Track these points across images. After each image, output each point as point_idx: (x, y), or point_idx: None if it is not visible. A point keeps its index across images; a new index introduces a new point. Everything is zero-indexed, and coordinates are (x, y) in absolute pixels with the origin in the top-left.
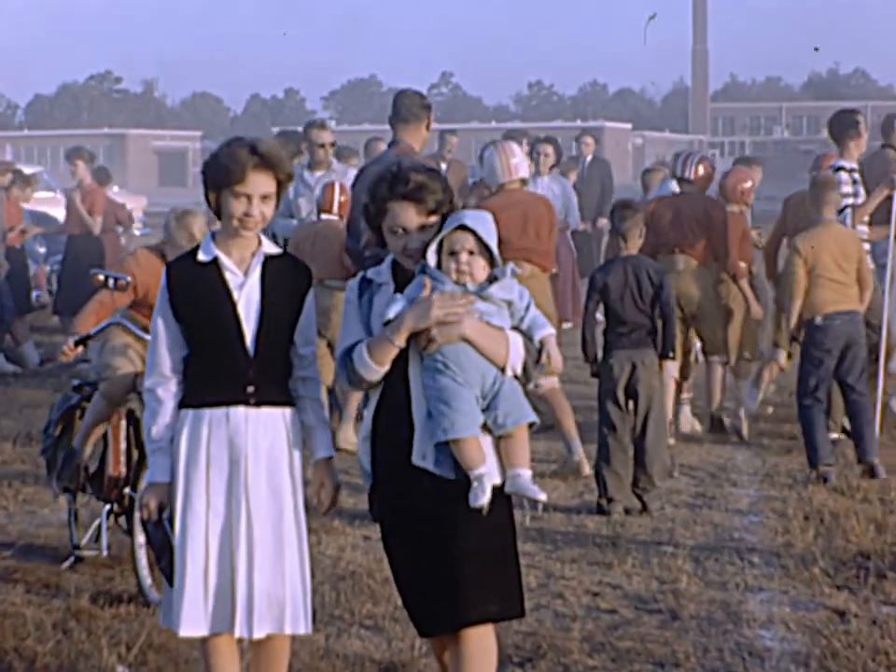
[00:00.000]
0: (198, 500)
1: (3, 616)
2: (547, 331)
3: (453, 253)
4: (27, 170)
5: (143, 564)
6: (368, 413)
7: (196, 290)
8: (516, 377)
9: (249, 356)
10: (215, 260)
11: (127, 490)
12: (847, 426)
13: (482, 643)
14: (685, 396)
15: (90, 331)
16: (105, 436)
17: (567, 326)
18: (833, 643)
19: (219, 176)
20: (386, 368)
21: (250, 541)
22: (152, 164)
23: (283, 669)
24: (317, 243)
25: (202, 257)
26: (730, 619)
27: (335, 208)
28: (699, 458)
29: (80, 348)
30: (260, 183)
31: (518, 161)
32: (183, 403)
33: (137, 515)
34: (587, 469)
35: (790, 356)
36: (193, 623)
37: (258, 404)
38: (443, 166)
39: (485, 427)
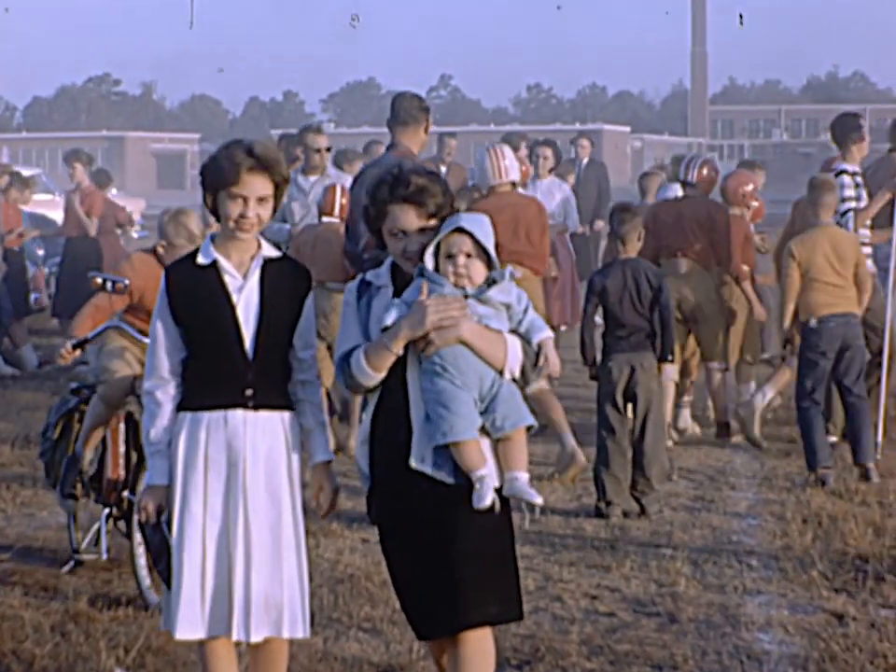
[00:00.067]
0: (195, 503)
1: (1, 619)
2: (545, 334)
3: (450, 256)
4: (25, 172)
5: (142, 566)
6: (366, 417)
7: (195, 293)
8: (514, 380)
9: (248, 359)
10: (214, 263)
11: (126, 494)
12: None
13: (480, 646)
14: (686, 399)
15: (87, 335)
16: (103, 439)
17: (561, 329)
18: (831, 646)
19: (216, 178)
20: (384, 374)
21: (247, 545)
22: (150, 167)
23: None
24: (318, 245)
25: (201, 260)
26: (728, 622)
27: (336, 211)
28: (698, 462)
29: (78, 351)
30: (256, 185)
31: (509, 163)
32: (181, 406)
33: (136, 518)
34: (582, 458)
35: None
36: (190, 625)
37: (256, 407)
38: (443, 169)
39: (483, 430)
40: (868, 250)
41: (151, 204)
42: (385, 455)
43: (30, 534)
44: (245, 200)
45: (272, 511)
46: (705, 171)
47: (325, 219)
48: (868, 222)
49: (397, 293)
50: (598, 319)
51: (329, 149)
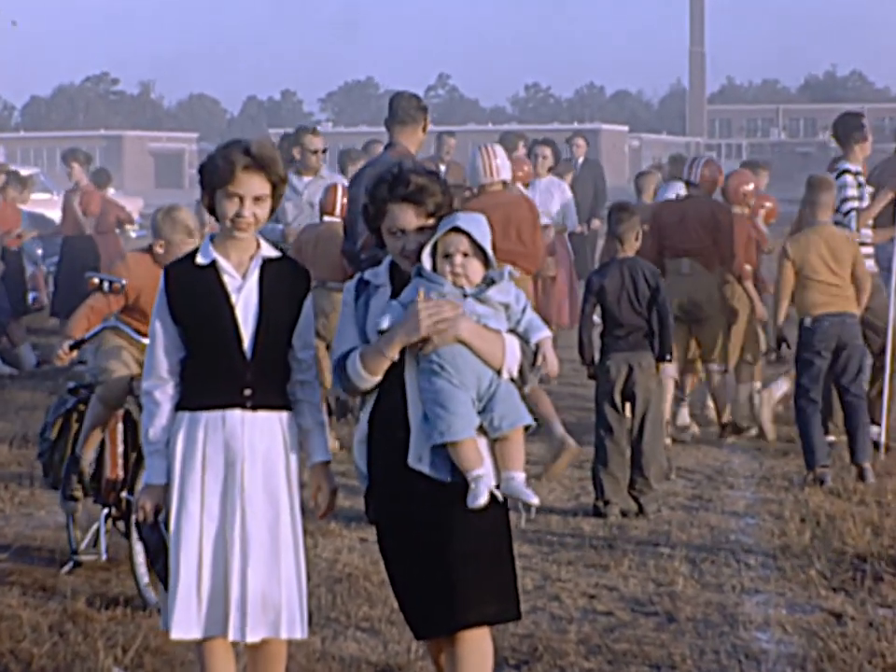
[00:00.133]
0: (193, 503)
1: None
2: (543, 334)
3: (447, 255)
4: (23, 171)
5: (140, 565)
6: (363, 416)
7: (194, 293)
8: (512, 380)
9: (247, 359)
10: (213, 263)
11: (124, 494)
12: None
13: (478, 645)
14: (685, 398)
15: (84, 335)
16: (102, 439)
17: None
18: (829, 645)
19: (213, 177)
20: (379, 378)
21: (244, 545)
22: (148, 166)
23: None
24: (319, 245)
25: (200, 259)
26: (726, 621)
27: (337, 210)
28: (696, 461)
29: (75, 352)
30: (252, 184)
31: (500, 162)
32: (180, 406)
33: (134, 518)
34: (573, 443)
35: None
36: (185, 625)
37: (254, 408)
38: (441, 168)
39: (481, 430)
40: (870, 250)
41: (149, 203)
42: (383, 454)
43: (28, 533)
44: (242, 199)
45: (269, 511)
46: (708, 170)
47: (326, 219)
48: (870, 222)
49: (395, 292)
50: (597, 319)
51: (325, 151)
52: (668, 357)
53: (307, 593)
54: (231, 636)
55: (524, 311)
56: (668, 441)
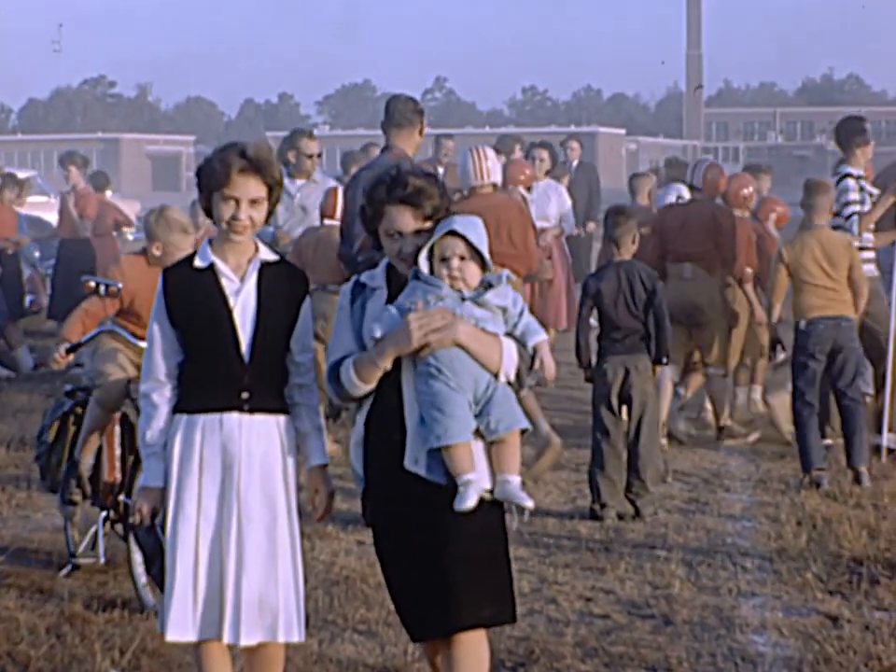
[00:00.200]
0: (190, 506)
1: None
2: (540, 338)
3: (444, 259)
4: (21, 174)
5: (139, 566)
6: (360, 418)
7: (192, 296)
8: (509, 383)
9: (244, 362)
10: (211, 266)
11: (122, 497)
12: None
13: (474, 648)
14: (683, 400)
15: (80, 339)
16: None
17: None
18: (825, 648)
19: (209, 180)
20: (372, 386)
21: (240, 548)
22: (146, 169)
23: None
24: (319, 248)
25: (198, 263)
26: (723, 624)
27: (338, 213)
28: (692, 464)
29: (71, 356)
30: (248, 187)
31: (491, 164)
32: (177, 409)
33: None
34: (557, 441)
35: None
36: (180, 628)
37: (252, 411)
38: (440, 170)
39: (477, 433)
40: (872, 254)
41: (146, 206)
42: (380, 456)
43: (25, 536)
44: (238, 201)
45: (267, 514)
46: (710, 174)
47: (326, 222)
48: (872, 226)
49: (391, 295)
50: (593, 322)
51: (319, 155)
52: (665, 360)
53: (304, 595)
54: (226, 638)
55: (521, 314)
56: (664, 440)
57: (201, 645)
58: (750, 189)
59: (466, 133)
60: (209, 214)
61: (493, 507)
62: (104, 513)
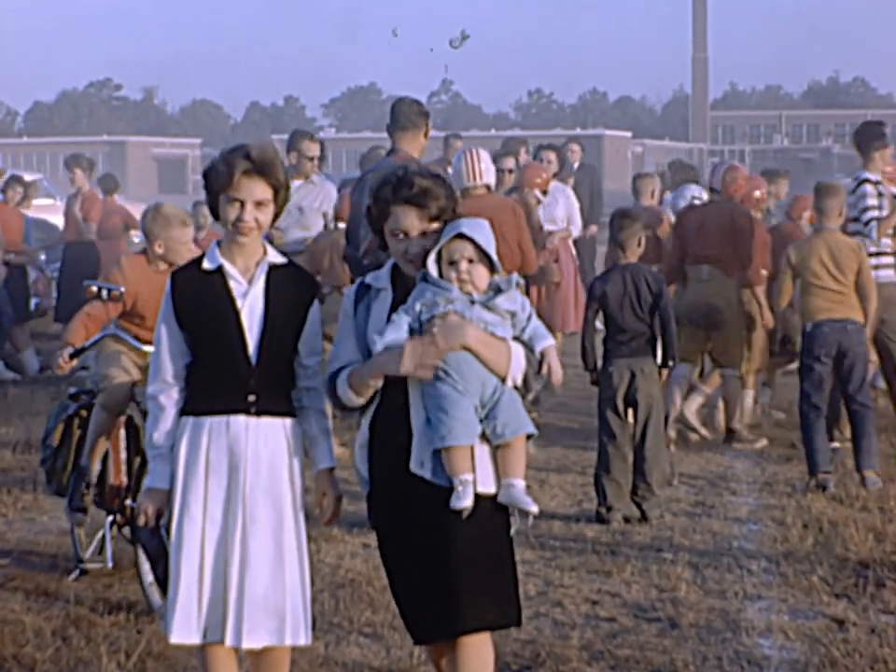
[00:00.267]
0: (195, 507)
1: (2, 623)
2: (548, 343)
3: (452, 262)
4: (27, 177)
5: (146, 570)
6: (365, 421)
7: (200, 298)
8: (516, 387)
9: (251, 364)
10: (219, 269)
11: (129, 502)
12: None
13: (478, 651)
14: (703, 398)
15: (84, 344)
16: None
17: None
18: (831, 651)
19: (215, 182)
20: (368, 398)
21: (245, 550)
22: (152, 171)
23: None
24: (334, 251)
25: (206, 265)
26: (729, 627)
27: None
28: (698, 467)
29: (75, 361)
30: (253, 189)
31: (485, 166)
32: (184, 411)
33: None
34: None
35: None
36: (185, 630)
37: (258, 413)
38: (450, 171)
39: (483, 436)
40: (891, 259)
41: None
42: (385, 458)
43: (31, 538)
44: (243, 203)
45: (273, 516)
46: (729, 176)
47: (340, 225)
48: (891, 231)
49: (396, 296)
50: (599, 325)
51: (321, 157)
52: (671, 364)
53: (311, 598)
54: (228, 641)
55: (529, 319)
56: (673, 433)
57: (206, 648)
58: (763, 190)
59: (471, 135)
60: (216, 216)
61: (497, 510)
62: (110, 518)
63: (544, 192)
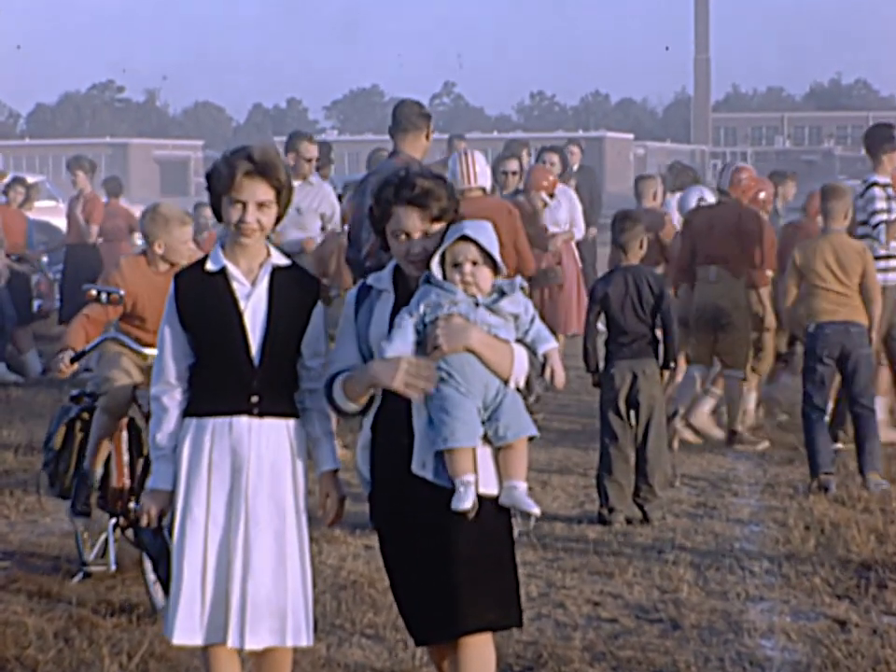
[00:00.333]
0: (198, 509)
1: (4, 625)
2: (551, 346)
3: (456, 265)
4: (29, 179)
5: (150, 571)
6: (367, 422)
7: (203, 300)
8: (518, 390)
9: (254, 366)
10: (223, 270)
11: (132, 505)
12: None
13: (480, 652)
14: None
15: (84, 347)
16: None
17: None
18: (833, 653)
19: (217, 183)
20: (362, 404)
21: (247, 552)
22: (154, 173)
23: None
24: (342, 254)
25: (210, 266)
26: (731, 628)
27: None
28: (700, 468)
29: (76, 365)
30: (255, 190)
31: (480, 169)
32: (187, 412)
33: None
34: None
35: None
36: (187, 631)
37: (261, 415)
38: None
39: (485, 438)
40: None
41: None
42: (386, 459)
43: (33, 540)
44: (245, 205)
45: (275, 518)
46: (738, 177)
47: (347, 227)
48: None
49: (398, 298)
50: (601, 326)
51: (319, 159)
52: (672, 365)
53: (312, 600)
54: (230, 642)
55: (532, 321)
56: (679, 424)
57: (208, 649)
58: (768, 192)
59: (473, 137)
60: (219, 217)
61: (499, 511)
62: (113, 520)
63: (551, 195)
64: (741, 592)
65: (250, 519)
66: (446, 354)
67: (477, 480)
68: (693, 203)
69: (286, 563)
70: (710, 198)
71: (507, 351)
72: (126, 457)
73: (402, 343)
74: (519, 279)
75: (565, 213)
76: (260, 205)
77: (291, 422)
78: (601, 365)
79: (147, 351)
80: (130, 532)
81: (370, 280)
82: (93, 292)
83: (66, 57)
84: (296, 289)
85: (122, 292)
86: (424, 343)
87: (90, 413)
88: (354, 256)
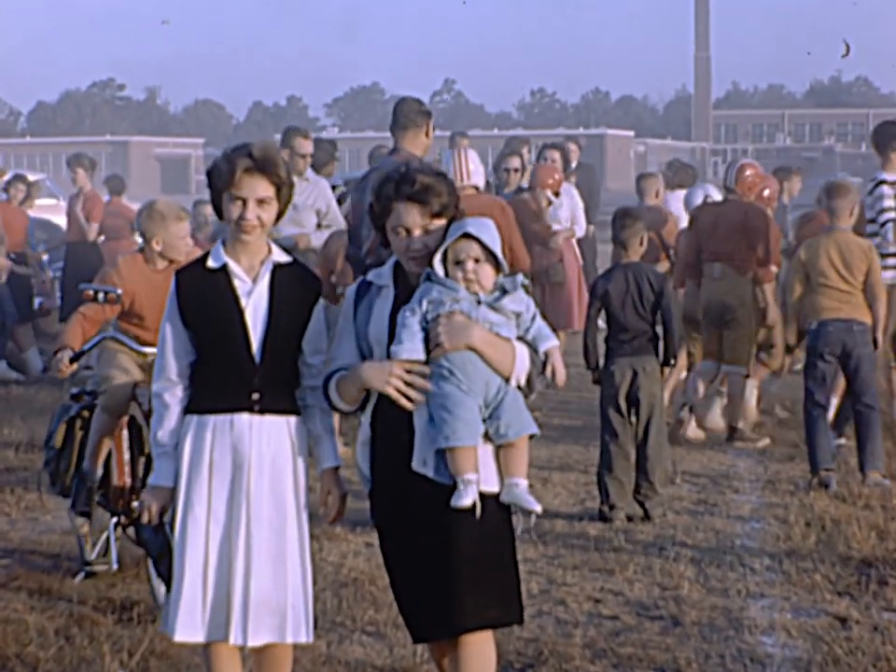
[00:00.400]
0: (199, 506)
1: (5, 622)
2: (552, 343)
3: (458, 262)
4: (30, 177)
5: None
6: (365, 418)
7: (205, 297)
8: (519, 387)
9: (255, 363)
10: (224, 267)
11: (135, 504)
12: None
13: (480, 650)
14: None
15: (83, 347)
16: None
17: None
18: (834, 649)
19: (217, 180)
20: (355, 405)
21: (248, 549)
22: (154, 171)
23: None
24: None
25: (211, 263)
26: (731, 625)
27: None
28: (701, 465)
29: (75, 365)
30: (255, 187)
31: (474, 167)
32: (188, 409)
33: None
34: None
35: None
36: (189, 628)
37: (262, 412)
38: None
39: (486, 436)
40: None
41: None
42: (387, 456)
43: (34, 538)
44: (245, 202)
45: (276, 515)
46: (743, 174)
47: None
48: None
49: (398, 294)
50: (602, 323)
51: (313, 155)
52: (672, 363)
53: (313, 597)
54: (233, 640)
55: (533, 319)
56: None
57: (210, 646)
58: (773, 189)
59: (474, 135)
60: (220, 214)
61: (499, 508)
62: (114, 519)
63: (556, 194)
64: (742, 588)
65: (252, 516)
66: (448, 351)
67: (478, 478)
68: (699, 200)
69: (286, 560)
70: (716, 195)
71: (508, 349)
72: (127, 456)
73: (412, 343)
74: (520, 277)
75: (566, 210)
76: (260, 202)
77: (292, 419)
78: (601, 362)
79: (147, 350)
80: (131, 530)
81: (369, 276)
82: (90, 292)
83: (67, 55)
84: (297, 286)
85: (120, 291)
86: (426, 341)
87: (90, 412)
88: (354, 253)
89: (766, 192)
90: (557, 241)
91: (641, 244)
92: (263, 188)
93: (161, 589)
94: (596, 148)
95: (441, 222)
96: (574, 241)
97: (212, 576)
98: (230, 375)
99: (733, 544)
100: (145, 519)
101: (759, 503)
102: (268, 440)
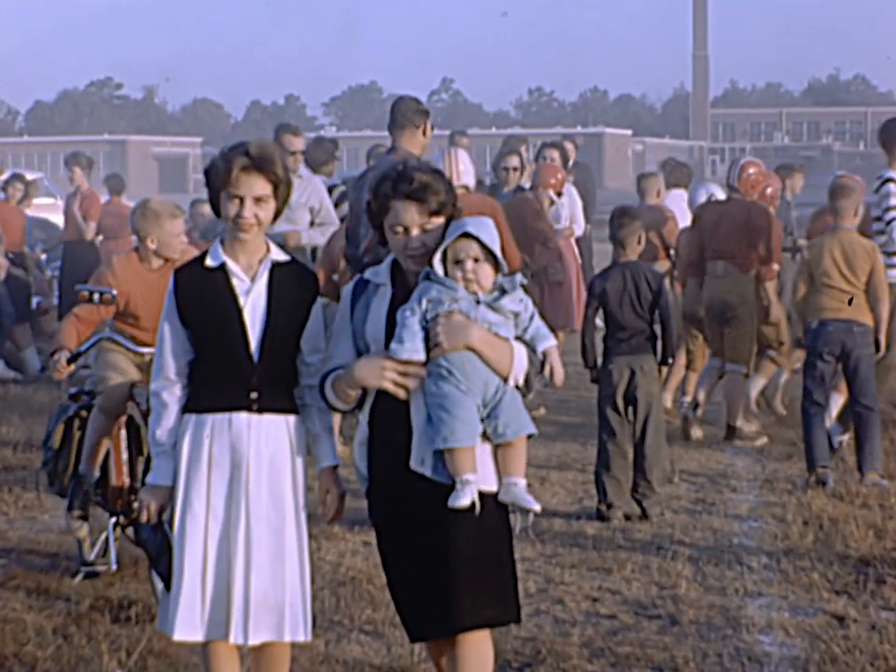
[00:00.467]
0: (198, 505)
1: (3, 621)
2: (550, 343)
3: (458, 261)
4: (28, 176)
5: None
6: (363, 417)
7: (203, 296)
8: (517, 387)
9: (253, 362)
10: (222, 266)
11: (134, 504)
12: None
13: (477, 649)
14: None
15: (80, 348)
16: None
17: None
18: (832, 648)
19: (215, 179)
20: (352, 404)
21: (248, 547)
22: (152, 170)
23: None
24: None
25: (209, 262)
26: (729, 624)
27: None
28: (699, 464)
29: (73, 366)
30: (252, 185)
31: (465, 167)
32: (187, 408)
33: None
34: None
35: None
36: (188, 627)
37: (261, 411)
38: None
39: (484, 435)
40: None
41: None
42: (384, 455)
43: (32, 537)
44: (242, 200)
45: (275, 514)
46: (746, 173)
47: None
48: None
49: (396, 292)
50: (599, 322)
51: (303, 152)
52: (670, 362)
53: (311, 596)
54: (233, 639)
55: (531, 318)
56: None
57: (208, 645)
58: (775, 187)
59: (472, 134)
60: (218, 213)
61: (497, 508)
62: (113, 519)
63: (559, 194)
64: (739, 587)
65: (251, 515)
66: (446, 351)
67: (477, 478)
68: (702, 199)
69: (284, 559)
70: (720, 194)
71: (507, 349)
72: (125, 456)
73: (412, 343)
74: (519, 276)
75: (565, 209)
76: (258, 200)
77: (291, 418)
78: (599, 361)
79: (143, 350)
80: (130, 530)
81: (367, 274)
82: (86, 293)
83: (65, 54)
84: (295, 285)
85: (115, 292)
86: (426, 341)
87: (88, 412)
88: (352, 252)
89: (769, 190)
90: (556, 240)
91: (639, 242)
92: (260, 186)
93: (161, 589)
94: (594, 147)
95: (440, 220)
96: (573, 240)
97: (211, 575)
98: (228, 374)
99: (730, 543)
100: (143, 518)
101: (757, 502)
102: (266, 439)
